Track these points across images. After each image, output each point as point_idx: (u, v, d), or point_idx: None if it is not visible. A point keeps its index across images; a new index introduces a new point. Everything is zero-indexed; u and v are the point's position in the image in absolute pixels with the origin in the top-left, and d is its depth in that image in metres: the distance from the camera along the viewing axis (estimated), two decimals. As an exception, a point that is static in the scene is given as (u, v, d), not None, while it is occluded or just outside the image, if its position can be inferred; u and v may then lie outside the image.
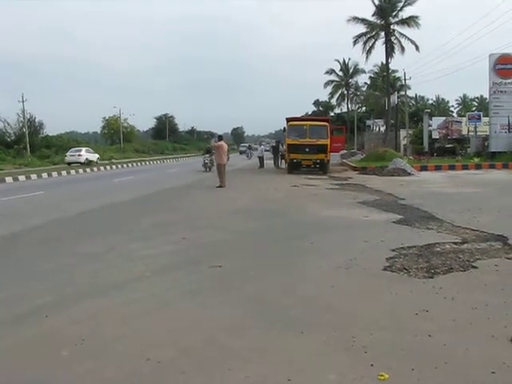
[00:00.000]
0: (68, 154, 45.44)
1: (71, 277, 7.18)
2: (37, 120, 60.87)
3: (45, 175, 31.15)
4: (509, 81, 36.98)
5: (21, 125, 57.94)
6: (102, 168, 40.05)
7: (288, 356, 4.44)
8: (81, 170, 35.96)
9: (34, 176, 30.16)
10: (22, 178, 29.00)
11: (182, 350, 4.57)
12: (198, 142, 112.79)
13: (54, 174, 32.31)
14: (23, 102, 57.21)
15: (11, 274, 7.48)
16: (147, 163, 52.34)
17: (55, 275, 7.26)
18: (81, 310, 5.68)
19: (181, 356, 4.45)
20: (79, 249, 9.01)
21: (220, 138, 24.44)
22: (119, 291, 6.45)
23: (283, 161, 34.81)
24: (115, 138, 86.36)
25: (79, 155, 44.26)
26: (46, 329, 5.12)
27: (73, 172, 34.29)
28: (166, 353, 4.49)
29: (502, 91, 37.08)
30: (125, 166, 45.60)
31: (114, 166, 43.10)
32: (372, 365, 4.20)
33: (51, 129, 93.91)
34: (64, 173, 33.14)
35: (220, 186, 20.61)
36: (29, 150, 53.22)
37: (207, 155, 33.84)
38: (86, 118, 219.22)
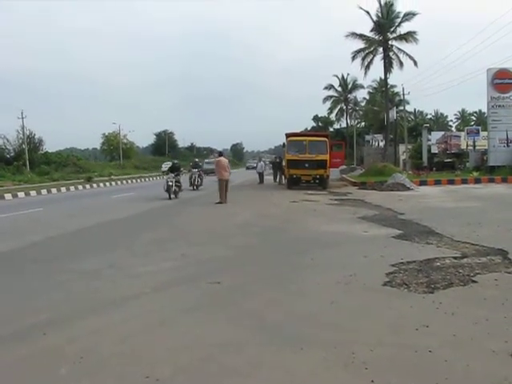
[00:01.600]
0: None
1: (69, 294, 7.14)
2: (36, 136, 61.01)
3: (44, 191, 31.15)
4: (507, 95, 37.12)
5: (20, 141, 58.07)
6: (101, 184, 40.06)
7: (287, 372, 4.41)
8: (80, 187, 35.95)
9: (33, 192, 30.15)
10: (21, 194, 28.98)
11: (181, 368, 4.53)
12: (198, 157, 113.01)
13: (54, 190, 32.31)
14: (23, 118, 57.42)
15: (9, 291, 7.43)
16: (146, 179, 52.25)
17: (53, 292, 7.22)
18: (79, 328, 5.64)
19: (179, 373, 4.42)
20: (77, 266, 8.97)
21: (220, 154, 24.65)
22: (118, 308, 6.41)
23: (283, 176, 34.85)
24: (115, 155, 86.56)
25: None
26: (44, 346, 5.08)
27: (72, 188, 34.29)
28: (164, 370, 4.45)
29: (500, 105, 37.20)
30: (124, 182, 45.62)
31: (113, 183, 43.09)
32: (372, 381, 4.16)
33: (51, 145, 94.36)
34: (63, 189, 33.15)
35: (220, 202, 20.54)
36: (28, 166, 53.28)
37: (181, 174, 26.54)
38: (86, 134, 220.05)
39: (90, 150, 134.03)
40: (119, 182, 44.45)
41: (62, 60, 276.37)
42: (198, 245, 10.96)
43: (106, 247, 10.87)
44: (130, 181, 47.70)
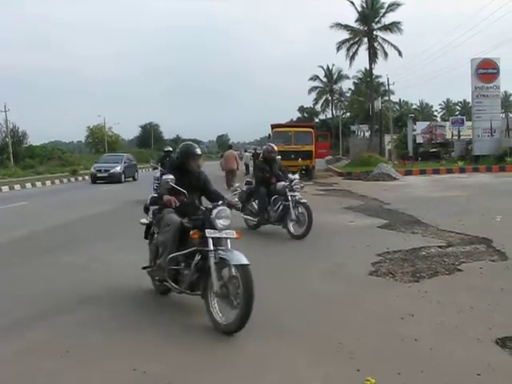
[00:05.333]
0: None
1: (55, 288, 7.08)
2: (20, 130, 60.31)
3: (29, 185, 30.85)
4: (490, 85, 37.39)
5: (4, 135, 57.38)
6: (86, 177, 39.73)
7: (274, 362, 4.42)
8: (65, 180, 35.67)
9: (17, 186, 29.80)
10: (5, 188, 28.62)
11: (167, 360, 4.54)
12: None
13: (38, 184, 32.03)
14: (6, 111, 56.71)
15: (-6, 286, 7.38)
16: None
17: (38, 286, 7.16)
18: (65, 322, 5.62)
19: (166, 366, 4.42)
20: (63, 259, 8.91)
21: (230, 147, 27.05)
22: (104, 302, 6.39)
23: None
24: (100, 147, 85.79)
25: None
26: (30, 342, 5.05)
27: (57, 182, 34.01)
28: (151, 363, 4.45)
29: (484, 95, 37.44)
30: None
31: (99, 175, 42.75)
32: (358, 370, 4.20)
33: (35, 139, 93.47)
34: (48, 183, 32.85)
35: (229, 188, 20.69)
36: (12, 160, 52.75)
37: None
38: (70, 127, 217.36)
39: (74, 143, 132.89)
40: (105, 175, 44.10)
41: (46, 52, 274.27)
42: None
43: (91, 240, 10.78)
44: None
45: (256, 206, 11.40)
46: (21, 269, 8.38)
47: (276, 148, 11.61)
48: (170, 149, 19.34)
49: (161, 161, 18.18)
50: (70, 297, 6.59)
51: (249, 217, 11.61)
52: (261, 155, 12.22)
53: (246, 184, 11.77)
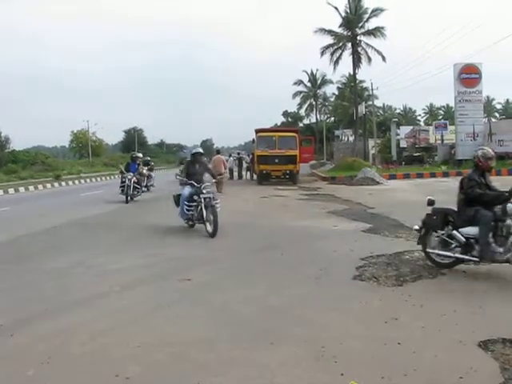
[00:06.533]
0: None
1: (38, 293, 7.03)
2: (3, 135, 59.95)
3: (11, 191, 30.61)
4: (473, 89, 37.77)
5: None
6: (70, 182, 39.52)
7: (258, 367, 4.42)
8: (49, 185, 35.41)
9: (0, 192, 29.62)
10: (-13, 194, 28.44)
11: (152, 365, 4.51)
12: (168, 154, 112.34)
13: (22, 189, 31.79)
14: (-12, 116, 56.30)
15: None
16: (116, 177, 51.61)
17: (22, 292, 7.10)
18: (48, 327, 5.56)
19: (150, 371, 4.40)
20: (46, 265, 8.84)
21: (217, 152, 27.70)
22: (87, 307, 6.34)
23: (248, 172, 35.71)
24: (84, 152, 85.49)
25: None
26: (11, 348, 5.00)
27: (40, 187, 33.75)
28: (134, 368, 4.43)
29: (466, 100, 37.81)
30: (93, 179, 45.05)
31: (82, 181, 42.55)
32: (342, 374, 4.21)
33: (18, 144, 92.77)
34: (31, 188, 32.60)
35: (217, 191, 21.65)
36: (-6, 165, 52.30)
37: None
38: (54, 131, 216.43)
39: (58, 148, 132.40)
40: (88, 180, 43.85)
41: (28, 55, 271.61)
42: (169, 243, 10.91)
43: (75, 246, 10.70)
44: (99, 178, 47.12)
45: None
46: (2, 274, 8.29)
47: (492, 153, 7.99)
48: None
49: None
50: (52, 302, 6.54)
51: None
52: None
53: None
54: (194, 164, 12.77)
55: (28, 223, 14.66)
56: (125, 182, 20.47)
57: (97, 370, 4.43)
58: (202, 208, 11.71)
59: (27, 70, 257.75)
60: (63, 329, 5.50)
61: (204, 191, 11.81)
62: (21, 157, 59.86)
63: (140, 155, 23.87)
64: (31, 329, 5.54)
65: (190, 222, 12.39)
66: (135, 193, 20.97)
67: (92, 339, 5.17)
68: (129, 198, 20.27)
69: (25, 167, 53.53)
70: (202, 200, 11.69)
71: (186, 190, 12.14)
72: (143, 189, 22.48)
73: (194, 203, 11.90)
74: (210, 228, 11.44)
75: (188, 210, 12.05)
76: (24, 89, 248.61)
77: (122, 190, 20.60)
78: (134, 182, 20.67)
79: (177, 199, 12.63)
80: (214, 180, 13.48)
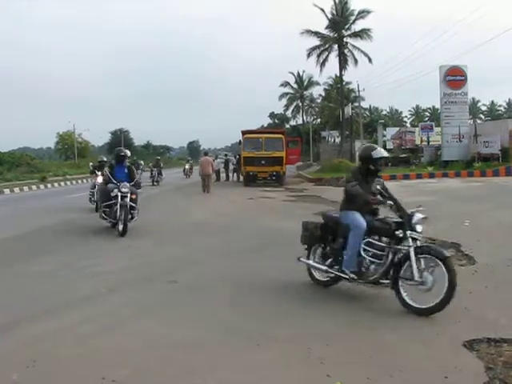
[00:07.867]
0: None
1: (22, 296, 6.96)
2: (-13, 136, 59.54)
3: (-4, 193, 30.36)
4: (458, 91, 38.05)
5: (-29, 141, 56.49)
6: (56, 184, 39.25)
7: (245, 370, 4.41)
8: (34, 187, 35.15)
9: (-16, 194, 29.37)
10: (-28, 196, 28.20)
11: (138, 368, 4.49)
12: (154, 155, 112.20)
13: (6, 190, 31.53)
14: (-27, 118, 55.87)
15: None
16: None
17: (6, 295, 7.03)
18: (34, 331, 5.51)
19: (136, 374, 4.38)
20: (31, 267, 8.75)
21: (205, 153, 29.07)
22: (73, 309, 6.29)
23: (235, 174, 35.81)
24: (69, 154, 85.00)
25: None
26: (-5, 351, 4.94)
27: (26, 189, 33.51)
28: (120, 372, 4.40)
29: (452, 102, 38.09)
30: (79, 181, 44.80)
31: (68, 182, 42.31)
32: (328, 375, 4.21)
33: (3, 145, 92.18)
34: (17, 189, 32.37)
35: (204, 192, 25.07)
36: (-21, 167, 51.84)
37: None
38: (39, 133, 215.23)
39: (44, 150, 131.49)
40: (74, 182, 43.63)
41: (13, 55, 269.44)
42: (154, 244, 10.87)
43: (60, 248, 10.60)
44: (85, 180, 46.80)
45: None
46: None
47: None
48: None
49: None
50: (38, 305, 6.47)
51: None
52: None
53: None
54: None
55: (13, 225, 14.51)
56: (115, 196, 12.28)
57: (83, 374, 4.40)
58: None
59: (9, 73, 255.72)
60: (49, 332, 5.46)
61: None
62: (6, 158, 59.33)
63: (128, 153, 14.14)
64: (17, 332, 5.49)
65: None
66: (129, 217, 12.26)
67: (78, 342, 5.12)
68: (121, 226, 11.96)
69: (10, 169, 53.06)
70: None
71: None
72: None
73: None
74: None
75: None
76: (8, 90, 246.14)
77: (92, 201, 18.46)
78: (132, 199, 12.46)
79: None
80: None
